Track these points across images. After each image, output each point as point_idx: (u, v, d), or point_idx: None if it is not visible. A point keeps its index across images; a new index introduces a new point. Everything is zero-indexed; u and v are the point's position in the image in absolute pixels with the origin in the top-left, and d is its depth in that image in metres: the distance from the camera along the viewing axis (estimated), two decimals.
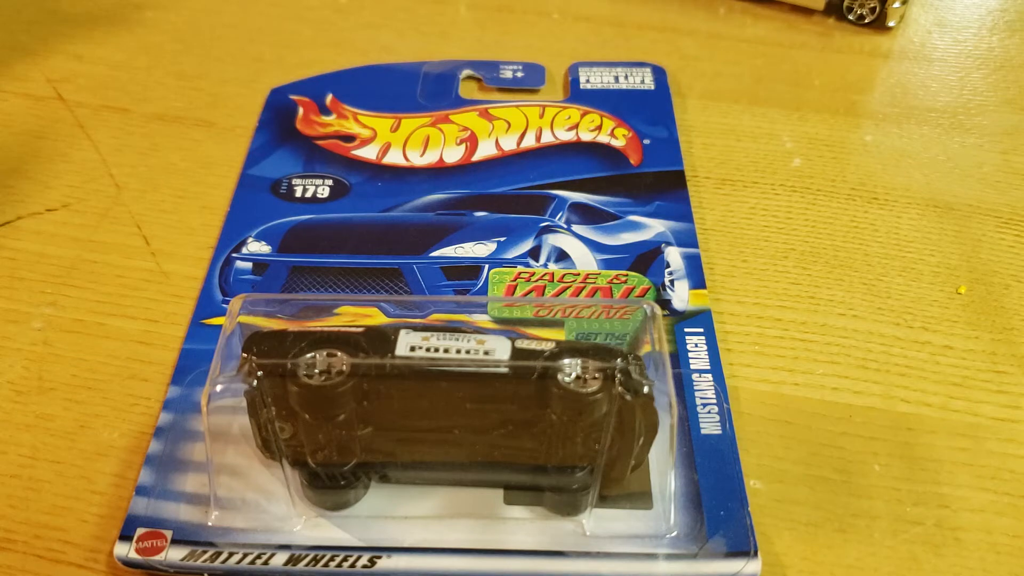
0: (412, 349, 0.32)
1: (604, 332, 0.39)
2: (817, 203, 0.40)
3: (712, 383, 0.38)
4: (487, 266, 0.42)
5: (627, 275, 0.42)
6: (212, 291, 0.41)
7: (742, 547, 0.33)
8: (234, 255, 0.43)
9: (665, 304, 0.41)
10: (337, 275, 0.42)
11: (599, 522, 0.33)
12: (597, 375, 0.31)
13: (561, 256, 0.43)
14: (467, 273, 0.42)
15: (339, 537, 0.33)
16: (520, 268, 0.42)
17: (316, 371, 0.31)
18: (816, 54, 0.42)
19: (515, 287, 0.41)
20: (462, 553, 0.33)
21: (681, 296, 0.41)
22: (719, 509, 0.34)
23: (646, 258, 0.43)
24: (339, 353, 0.31)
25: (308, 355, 0.31)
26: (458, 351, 0.31)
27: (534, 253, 0.43)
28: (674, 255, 0.43)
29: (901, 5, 0.44)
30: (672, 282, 0.42)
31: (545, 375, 0.31)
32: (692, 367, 0.38)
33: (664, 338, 0.34)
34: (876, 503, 0.34)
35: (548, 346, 0.32)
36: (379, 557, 0.32)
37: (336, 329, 0.32)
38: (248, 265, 0.42)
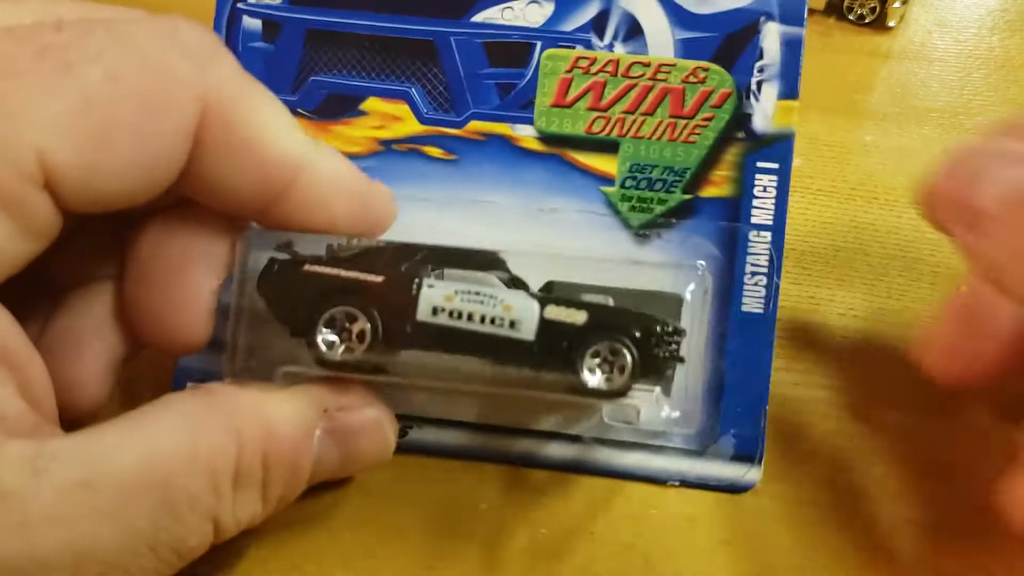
0: (435, 312, 0.30)
1: (662, 164, 0.34)
2: (817, 203, 0.39)
3: (768, 246, 0.34)
4: (539, 45, 0.35)
5: (708, 69, 0.34)
6: None
7: (749, 451, 0.34)
8: (239, 5, 0.35)
9: (743, 121, 0.34)
10: (361, 49, 0.35)
11: (617, 409, 0.34)
12: (623, 370, 0.29)
13: (633, 31, 0.35)
14: (514, 57, 0.35)
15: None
16: (579, 51, 0.34)
17: (334, 338, 0.30)
18: (816, 54, 0.39)
19: (570, 80, 0.34)
20: (482, 429, 0.35)
21: (766, 109, 0.34)
22: (737, 404, 0.34)
23: (737, 40, 0.34)
24: (359, 316, 0.30)
25: (326, 316, 0.30)
26: (483, 319, 0.29)
27: (599, 24, 0.35)
28: (772, 38, 0.34)
29: (901, 5, 0.43)
30: (760, 85, 0.34)
31: (570, 361, 0.29)
32: (753, 219, 0.34)
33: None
34: None
35: (580, 319, 0.30)
36: (410, 427, 0.35)
37: (355, 277, 0.30)
38: (257, 25, 0.35)
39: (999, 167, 0.28)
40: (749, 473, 0.34)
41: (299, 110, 0.35)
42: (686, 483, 0.34)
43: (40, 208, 0.25)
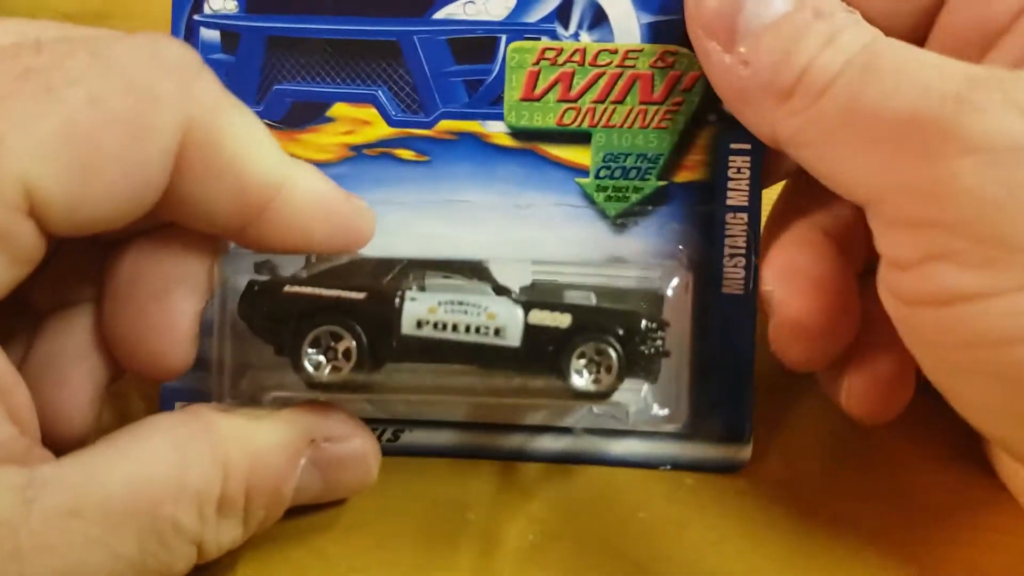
0: (419, 325, 0.30)
1: (636, 152, 0.34)
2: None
3: (746, 226, 0.34)
4: (504, 38, 0.34)
5: (676, 52, 0.34)
6: None
7: (736, 431, 0.35)
8: (196, 17, 0.34)
9: (714, 104, 0.34)
10: (323, 53, 0.34)
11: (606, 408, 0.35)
12: (610, 369, 0.30)
13: (597, 18, 0.34)
14: (479, 52, 0.34)
15: (361, 409, 0.35)
16: (545, 42, 0.34)
17: (320, 359, 0.30)
18: None
19: (538, 73, 0.34)
20: (472, 428, 0.35)
21: None
22: (723, 386, 0.35)
23: None
24: (344, 335, 0.30)
25: (310, 337, 0.30)
26: (467, 328, 0.30)
27: (563, 13, 0.34)
28: None
29: None
30: None
31: (557, 365, 0.30)
32: (729, 202, 0.34)
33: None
34: None
35: (565, 322, 0.30)
36: (402, 431, 0.35)
37: (336, 295, 0.30)
38: (215, 37, 0.34)
39: None
40: (740, 452, 0.35)
41: (266, 121, 0.34)
42: (678, 466, 0.35)
43: (24, 235, 0.25)
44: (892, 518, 0.34)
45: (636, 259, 0.34)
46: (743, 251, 0.34)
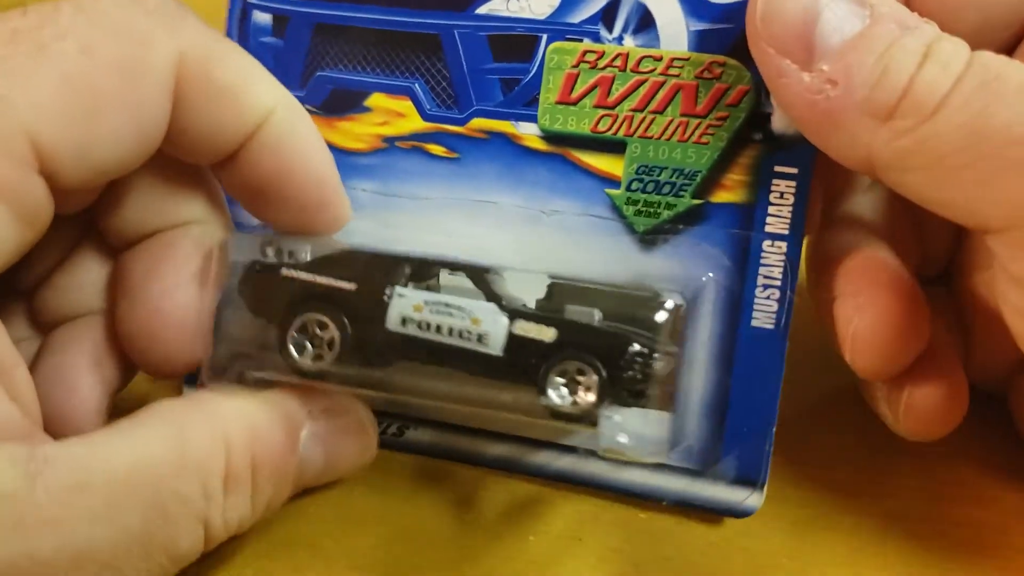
0: (404, 322, 0.29)
1: (672, 166, 0.32)
2: None
3: (784, 257, 0.32)
4: (545, 37, 0.33)
5: (724, 63, 0.31)
6: None
7: (751, 475, 0.32)
8: (250, 1, 0.35)
9: (761, 121, 0.31)
10: (366, 43, 0.34)
11: (613, 421, 0.33)
12: (588, 390, 0.28)
13: (644, 22, 0.32)
14: (518, 51, 0.33)
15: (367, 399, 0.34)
16: (586, 44, 0.32)
17: (306, 345, 0.30)
18: None
19: (576, 76, 0.33)
20: (478, 434, 0.34)
21: None
22: (743, 425, 0.32)
23: None
24: (329, 324, 0.29)
25: (298, 323, 0.30)
26: (451, 331, 0.29)
27: (608, 15, 0.32)
28: None
29: None
30: None
31: (536, 378, 0.28)
32: (767, 228, 0.32)
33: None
34: None
35: (549, 336, 0.28)
36: (407, 428, 0.35)
37: (328, 284, 0.30)
38: (267, 20, 0.35)
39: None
40: (750, 498, 0.32)
41: (307, 106, 0.35)
42: (683, 504, 0.33)
43: (34, 193, 0.26)
44: None
45: (661, 279, 0.32)
46: (778, 283, 0.32)
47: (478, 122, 0.34)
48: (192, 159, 0.30)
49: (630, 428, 0.28)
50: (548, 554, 0.32)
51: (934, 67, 0.26)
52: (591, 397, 0.28)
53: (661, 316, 0.29)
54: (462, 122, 0.34)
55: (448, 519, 0.33)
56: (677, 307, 0.29)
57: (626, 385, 0.28)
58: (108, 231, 0.31)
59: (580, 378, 0.28)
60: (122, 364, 0.31)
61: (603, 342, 0.28)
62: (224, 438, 0.27)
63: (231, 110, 0.28)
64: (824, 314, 0.33)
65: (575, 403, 0.28)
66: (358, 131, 0.35)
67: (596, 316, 0.30)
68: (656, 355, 0.28)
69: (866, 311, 0.31)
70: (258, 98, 0.29)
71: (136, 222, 0.31)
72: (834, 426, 0.38)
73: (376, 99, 0.34)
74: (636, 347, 0.28)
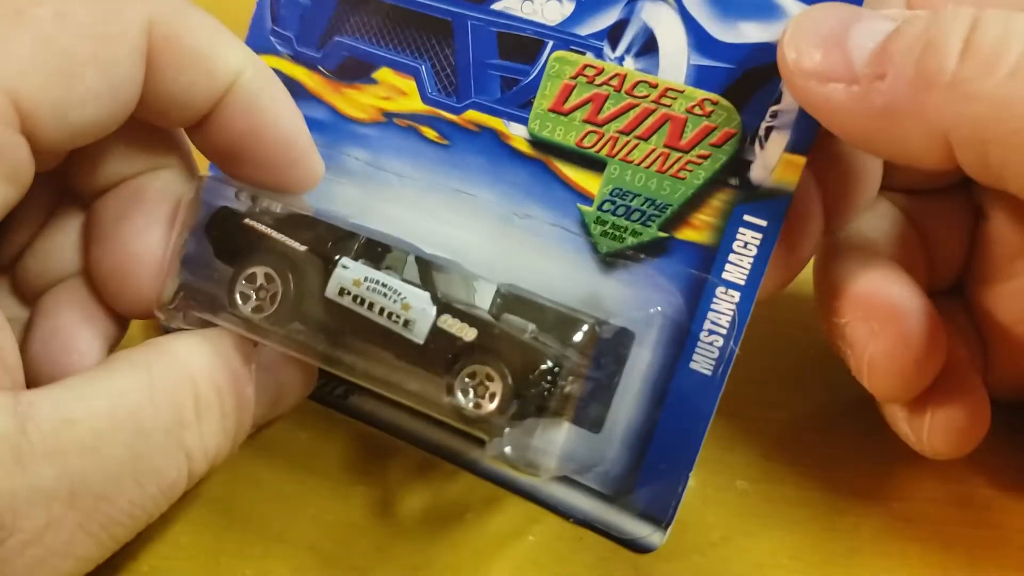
0: (341, 292, 0.30)
1: (645, 195, 0.32)
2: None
3: (734, 307, 0.31)
4: (550, 44, 0.33)
5: (716, 102, 0.31)
6: (263, 18, 0.37)
7: (659, 513, 0.32)
8: None
9: (740, 168, 0.31)
10: (384, 17, 0.35)
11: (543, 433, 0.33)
12: (492, 398, 0.28)
13: (647, 47, 0.32)
14: (523, 52, 0.33)
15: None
16: (588, 58, 0.32)
17: (250, 294, 0.31)
18: None
19: (572, 88, 0.33)
20: (418, 416, 0.35)
21: (769, 159, 0.31)
22: (662, 461, 0.32)
23: (755, 77, 0.31)
24: (275, 279, 0.31)
25: (248, 272, 0.31)
26: (381, 311, 0.30)
27: (615, 34, 0.32)
28: None
29: None
30: (768, 131, 0.31)
31: (444, 375, 0.29)
32: (725, 275, 0.31)
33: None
34: None
35: (469, 335, 0.29)
36: (353, 392, 0.36)
37: (283, 241, 0.31)
38: None
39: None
40: (652, 535, 0.32)
41: (319, 67, 0.36)
42: (587, 525, 0.33)
43: (18, 152, 0.27)
44: None
45: (612, 302, 0.32)
46: (723, 331, 0.31)
47: (473, 114, 0.34)
48: (165, 123, 0.31)
49: (522, 441, 0.29)
50: (548, 554, 0.33)
51: (993, 25, 0.25)
52: (492, 405, 0.29)
53: (580, 337, 0.29)
54: (458, 111, 0.34)
55: (448, 520, 0.34)
56: (594, 329, 0.29)
57: (532, 399, 0.28)
58: (79, 183, 0.32)
59: (488, 383, 0.29)
60: (114, 314, 0.33)
61: (518, 353, 0.29)
62: (188, 371, 0.29)
63: (201, 73, 0.29)
64: (835, 337, 0.33)
65: (477, 406, 0.29)
66: (362, 101, 0.36)
67: (529, 329, 0.30)
68: (569, 375, 0.29)
69: (880, 337, 0.31)
70: (227, 61, 0.30)
71: (107, 172, 0.32)
72: (834, 426, 0.38)
73: (384, 73, 0.35)
74: (548, 364, 0.28)
